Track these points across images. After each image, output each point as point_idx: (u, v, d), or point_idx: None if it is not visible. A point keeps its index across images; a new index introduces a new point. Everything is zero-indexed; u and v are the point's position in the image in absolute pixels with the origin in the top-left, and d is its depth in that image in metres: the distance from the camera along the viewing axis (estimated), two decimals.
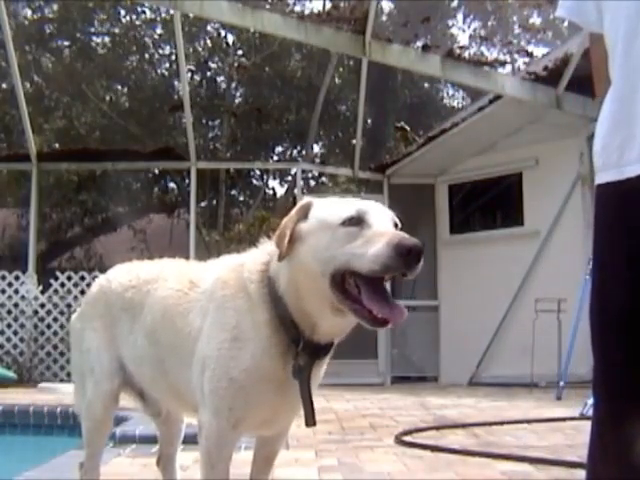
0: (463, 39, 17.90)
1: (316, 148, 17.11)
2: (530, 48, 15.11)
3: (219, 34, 15.88)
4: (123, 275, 2.64)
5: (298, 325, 2.01)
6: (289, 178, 16.17)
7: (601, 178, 1.65)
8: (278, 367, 2.03)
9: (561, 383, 7.89)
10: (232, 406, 2.08)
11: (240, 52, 16.18)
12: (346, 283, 1.87)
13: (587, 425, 1.66)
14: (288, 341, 2.02)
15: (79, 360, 2.70)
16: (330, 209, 1.96)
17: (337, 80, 15.56)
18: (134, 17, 15.96)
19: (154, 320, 2.39)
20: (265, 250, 2.15)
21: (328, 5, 12.68)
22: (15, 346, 10.22)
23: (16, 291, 10.34)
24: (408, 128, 13.68)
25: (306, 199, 2.05)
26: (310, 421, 2.03)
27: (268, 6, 10.62)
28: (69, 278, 10.45)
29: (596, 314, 1.65)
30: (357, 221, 1.88)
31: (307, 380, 2.01)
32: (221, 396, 2.07)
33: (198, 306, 2.22)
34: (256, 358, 2.03)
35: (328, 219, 1.92)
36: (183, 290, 2.30)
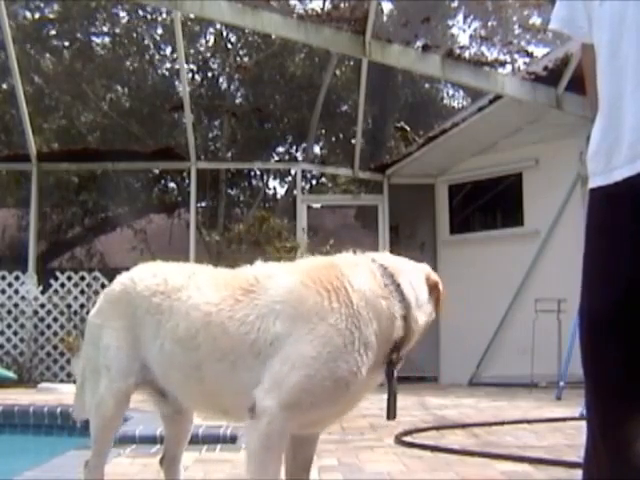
0: (463, 39, 17.88)
1: (316, 148, 17.09)
2: (530, 48, 15.09)
3: (221, 34, 15.86)
4: (149, 278, 2.63)
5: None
6: (289, 178, 16.15)
7: (592, 183, 1.68)
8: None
9: (561, 383, 7.89)
10: (316, 403, 2.25)
11: (241, 52, 16.18)
12: None
13: None
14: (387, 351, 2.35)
15: (94, 355, 2.68)
16: None
17: (338, 80, 15.54)
18: (134, 17, 15.94)
19: (192, 328, 2.41)
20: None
21: (328, 5, 12.66)
22: (15, 346, 10.23)
23: (16, 291, 10.34)
24: (408, 128, 13.67)
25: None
26: (392, 415, 2.38)
27: (275, 3, 10.58)
28: (69, 278, 10.45)
29: (586, 315, 1.65)
30: None
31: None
32: (312, 393, 2.22)
33: (272, 312, 2.30)
34: (371, 362, 2.28)
35: None
36: (235, 297, 2.36)
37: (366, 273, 2.38)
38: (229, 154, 15.68)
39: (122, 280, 2.72)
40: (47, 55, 15.95)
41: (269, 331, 2.28)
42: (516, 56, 13.26)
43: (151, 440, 4.32)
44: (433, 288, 2.45)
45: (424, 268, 2.50)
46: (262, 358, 2.28)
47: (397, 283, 2.38)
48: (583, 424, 1.71)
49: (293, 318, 2.28)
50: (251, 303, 2.34)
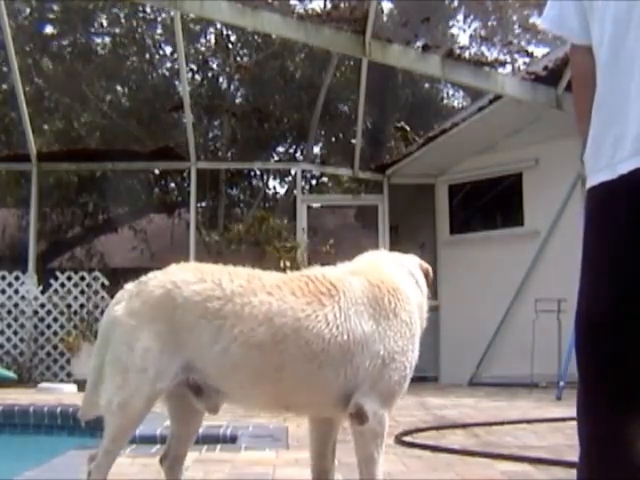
0: (463, 39, 17.90)
1: (316, 148, 17.09)
2: (530, 48, 15.11)
3: (221, 33, 15.85)
4: (197, 282, 2.60)
5: None
6: (289, 178, 16.15)
7: (593, 180, 1.65)
8: None
9: (561, 383, 7.89)
10: (403, 389, 2.64)
11: (241, 52, 16.17)
12: None
13: None
14: None
15: (125, 355, 2.59)
16: None
17: (338, 80, 15.53)
18: (134, 17, 15.93)
19: (279, 333, 2.52)
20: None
21: (328, 5, 12.65)
22: (15, 346, 10.23)
23: (16, 291, 10.34)
24: (408, 128, 13.66)
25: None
26: None
27: (275, 3, 10.57)
28: (69, 278, 10.45)
29: (585, 315, 1.64)
30: None
31: None
32: (400, 383, 2.62)
33: (356, 313, 2.60)
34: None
35: None
36: (321, 302, 2.58)
37: (402, 273, 2.80)
38: (229, 154, 15.67)
39: (161, 283, 2.63)
40: (47, 56, 15.94)
41: (357, 331, 2.57)
42: (516, 56, 13.29)
43: (151, 440, 4.31)
44: (426, 275, 2.94)
45: (416, 259, 2.97)
46: (349, 356, 2.55)
47: (417, 280, 2.84)
48: None
49: (374, 317, 2.61)
50: (336, 306, 2.58)
